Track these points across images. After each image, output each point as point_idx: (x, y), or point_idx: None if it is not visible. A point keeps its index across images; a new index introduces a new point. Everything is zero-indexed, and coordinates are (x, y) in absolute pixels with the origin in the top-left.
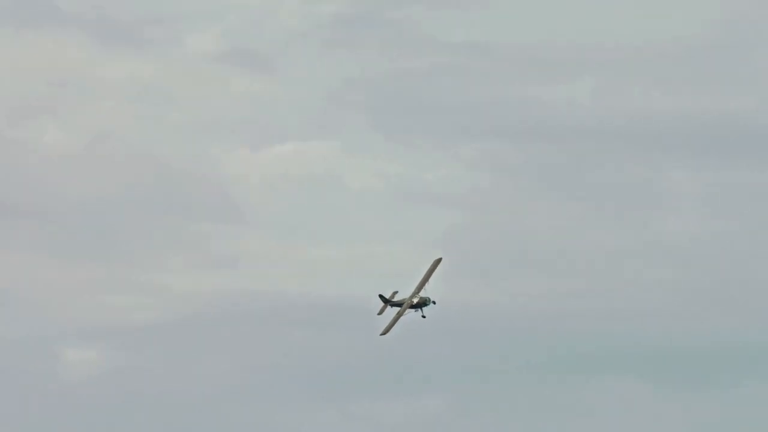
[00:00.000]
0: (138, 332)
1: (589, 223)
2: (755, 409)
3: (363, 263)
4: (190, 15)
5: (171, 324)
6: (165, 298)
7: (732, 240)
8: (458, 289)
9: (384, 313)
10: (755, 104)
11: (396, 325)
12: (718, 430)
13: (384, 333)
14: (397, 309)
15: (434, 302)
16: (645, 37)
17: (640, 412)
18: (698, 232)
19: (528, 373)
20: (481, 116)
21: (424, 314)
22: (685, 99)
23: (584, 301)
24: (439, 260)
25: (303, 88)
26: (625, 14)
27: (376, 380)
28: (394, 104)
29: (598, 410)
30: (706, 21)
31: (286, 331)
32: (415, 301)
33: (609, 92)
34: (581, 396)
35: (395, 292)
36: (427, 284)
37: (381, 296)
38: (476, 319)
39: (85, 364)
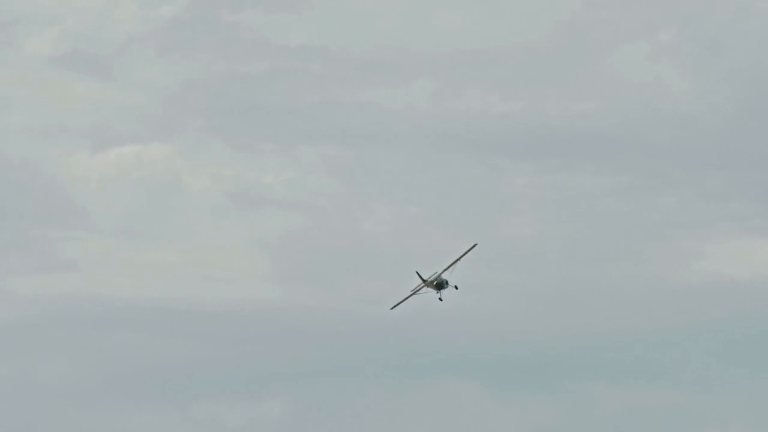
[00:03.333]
0: None
1: (429, 227)
2: (592, 411)
3: (201, 266)
4: (27, 18)
5: (11, 326)
6: (4, 300)
7: (573, 243)
8: (296, 292)
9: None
10: (595, 108)
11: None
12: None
13: (393, 307)
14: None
15: (456, 287)
16: (484, 41)
17: (477, 415)
18: (538, 236)
19: (366, 375)
20: (319, 120)
21: (441, 297)
22: (525, 103)
23: (425, 305)
24: (474, 245)
25: (141, 91)
26: (464, 18)
27: (217, 382)
28: (232, 107)
29: (434, 412)
30: (546, 25)
31: (126, 333)
32: (435, 283)
33: (447, 96)
34: (418, 398)
35: (435, 273)
36: (453, 267)
37: (417, 273)
38: (314, 322)
39: None
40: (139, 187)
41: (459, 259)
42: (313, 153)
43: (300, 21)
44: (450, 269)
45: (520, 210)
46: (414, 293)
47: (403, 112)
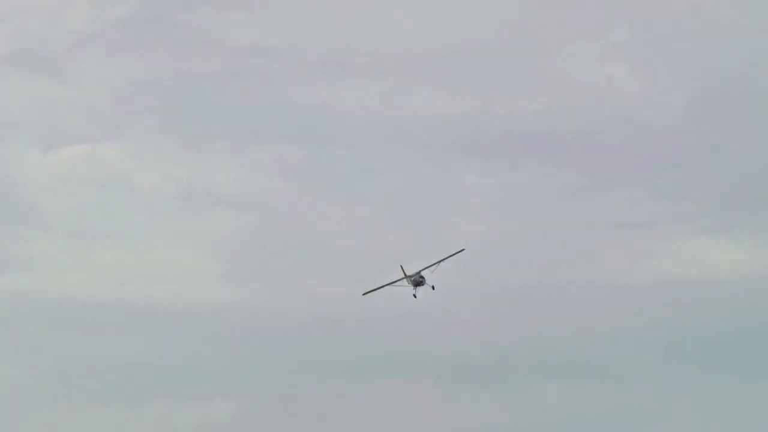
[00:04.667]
0: None
1: (380, 226)
2: (543, 410)
3: (152, 265)
4: None
5: None
6: None
7: (523, 243)
8: (247, 292)
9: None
10: (545, 108)
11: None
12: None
13: (366, 293)
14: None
15: (433, 287)
16: (434, 42)
17: (429, 414)
18: (488, 235)
19: (322, 375)
20: (270, 119)
21: (416, 294)
22: (475, 103)
23: (376, 304)
24: (461, 250)
25: (92, 90)
26: (414, 18)
27: (168, 381)
28: (183, 107)
29: (387, 411)
30: (496, 26)
31: (76, 332)
32: (413, 279)
33: (398, 96)
34: (370, 397)
35: (417, 270)
36: (436, 266)
37: (401, 267)
38: (265, 321)
39: None
40: (90, 186)
41: (443, 260)
42: (264, 152)
43: (251, 21)
44: (432, 269)
45: (470, 209)
46: (390, 284)
47: (354, 112)
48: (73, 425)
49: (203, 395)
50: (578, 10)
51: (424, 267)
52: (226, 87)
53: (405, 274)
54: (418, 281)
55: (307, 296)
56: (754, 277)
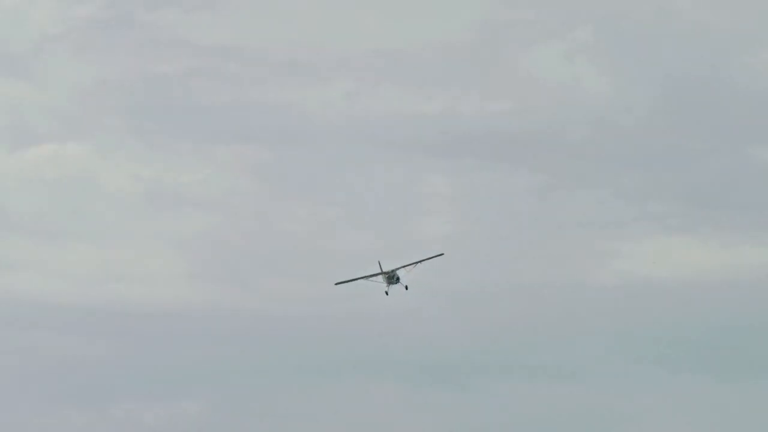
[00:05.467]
0: None
1: (345, 226)
2: (506, 410)
3: (118, 266)
4: None
5: None
6: None
7: (489, 243)
8: (213, 292)
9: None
10: (512, 108)
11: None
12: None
13: (338, 284)
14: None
15: (406, 287)
16: (400, 41)
17: (391, 414)
18: (455, 235)
19: (289, 375)
20: (236, 120)
21: (388, 292)
22: (441, 103)
23: (342, 305)
24: (441, 254)
25: (58, 90)
26: (380, 18)
27: (134, 382)
28: (149, 107)
29: (350, 411)
30: (463, 25)
31: (41, 331)
32: (388, 276)
33: (364, 96)
34: (334, 397)
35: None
36: (413, 267)
37: (379, 262)
38: (230, 321)
39: None
40: (56, 186)
41: (420, 261)
42: (230, 153)
43: (216, 21)
44: (408, 269)
45: (437, 210)
46: (364, 278)
47: (320, 112)
48: (40, 425)
49: (171, 395)
50: (544, 10)
51: (401, 266)
52: (192, 87)
53: (381, 270)
54: (392, 279)
55: (273, 296)
56: (720, 277)
